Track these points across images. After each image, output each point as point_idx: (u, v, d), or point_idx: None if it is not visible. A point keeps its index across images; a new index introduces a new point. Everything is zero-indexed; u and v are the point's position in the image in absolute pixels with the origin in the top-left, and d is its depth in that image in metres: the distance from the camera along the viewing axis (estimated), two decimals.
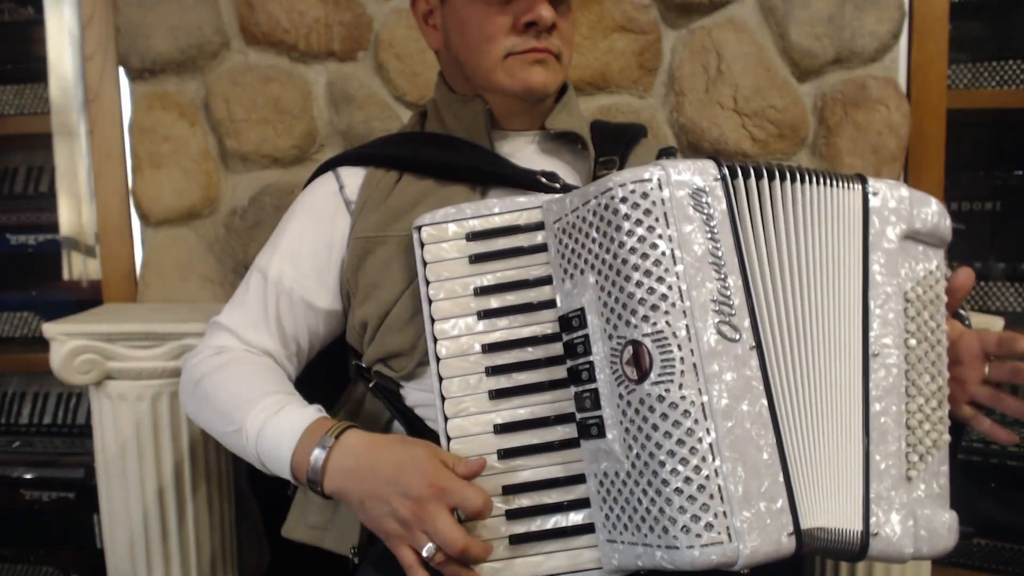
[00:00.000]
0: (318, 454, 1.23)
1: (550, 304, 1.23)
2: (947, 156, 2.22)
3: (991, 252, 2.42)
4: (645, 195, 1.09)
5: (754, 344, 1.09)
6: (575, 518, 1.19)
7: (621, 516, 1.12)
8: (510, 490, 1.20)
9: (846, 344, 1.20)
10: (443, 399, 1.23)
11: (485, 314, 1.24)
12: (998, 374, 1.27)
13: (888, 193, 1.26)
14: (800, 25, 2.10)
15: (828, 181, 1.23)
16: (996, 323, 1.87)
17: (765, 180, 1.17)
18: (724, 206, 1.12)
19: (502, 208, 1.27)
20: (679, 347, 1.06)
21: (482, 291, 1.25)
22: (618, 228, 1.09)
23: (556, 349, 1.21)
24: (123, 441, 1.85)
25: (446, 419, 1.23)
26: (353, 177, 1.50)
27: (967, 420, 1.31)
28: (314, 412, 1.31)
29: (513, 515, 1.20)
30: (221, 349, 1.45)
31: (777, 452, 1.08)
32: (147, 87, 2.17)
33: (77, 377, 1.83)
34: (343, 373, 1.57)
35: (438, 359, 1.24)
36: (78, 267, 2.58)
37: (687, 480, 1.03)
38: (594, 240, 1.13)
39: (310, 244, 1.47)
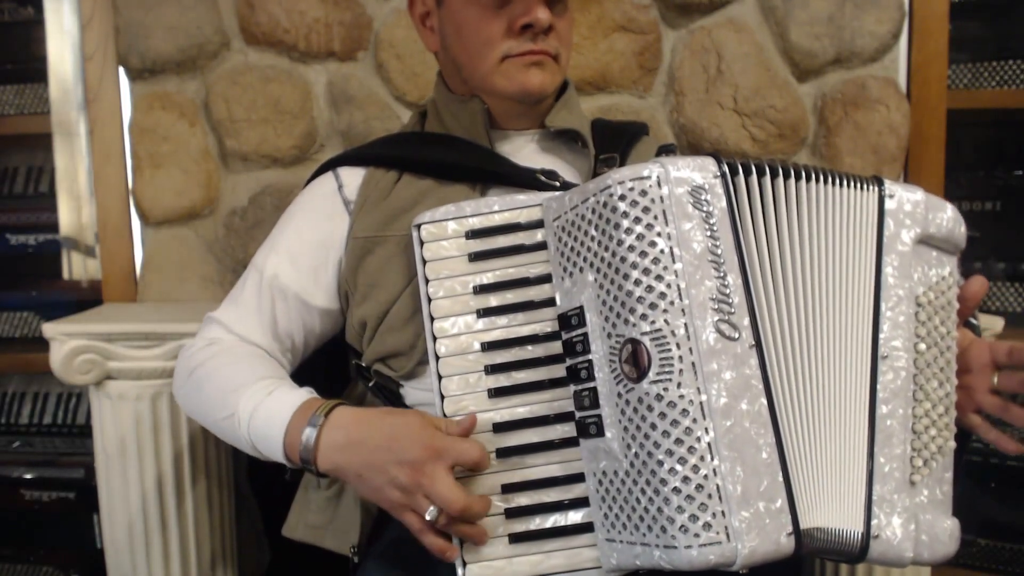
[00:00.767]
0: (309, 432, 1.23)
1: (550, 302, 1.23)
2: (947, 156, 2.22)
3: (991, 252, 2.42)
4: (644, 192, 1.09)
5: (753, 343, 1.09)
6: (574, 517, 1.19)
7: (620, 515, 1.11)
8: (509, 489, 1.20)
9: (854, 345, 1.20)
10: (442, 397, 1.23)
11: (484, 312, 1.24)
12: (1008, 384, 1.26)
13: (904, 196, 1.25)
14: (800, 25, 2.10)
15: (839, 181, 1.22)
16: (996, 323, 1.87)
17: (767, 177, 1.17)
18: (724, 203, 1.12)
19: (502, 206, 1.27)
20: (678, 346, 1.06)
21: (481, 289, 1.25)
22: (617, 226, 1.09)
23: (555, 347, 1.21)
24: (123, 441, 1.85)
25: (445, 418, 1.23)
26: (352, 177, 1.50)
27: (973, 429, 1.30)
28: (305, 393, 1.31)
29: (512, 514, 1.20)
30: (213, 341, 1.45)
31: (776, 451, 1.07)
32: (147, 87, 2.17)
33: (77, 377, 1.83)
34: (343, 373, 1.57)
35: (437, 357, 1.24)
36: (78, 267, 2.58)
37: (685, 479, 1.03)
38: (593, 238, 1.13)
39: (308, 243, 1.47)
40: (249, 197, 2.17)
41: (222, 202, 2.20)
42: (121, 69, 2.20)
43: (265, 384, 1.33)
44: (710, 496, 1.03)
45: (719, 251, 1.10)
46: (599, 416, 1.13)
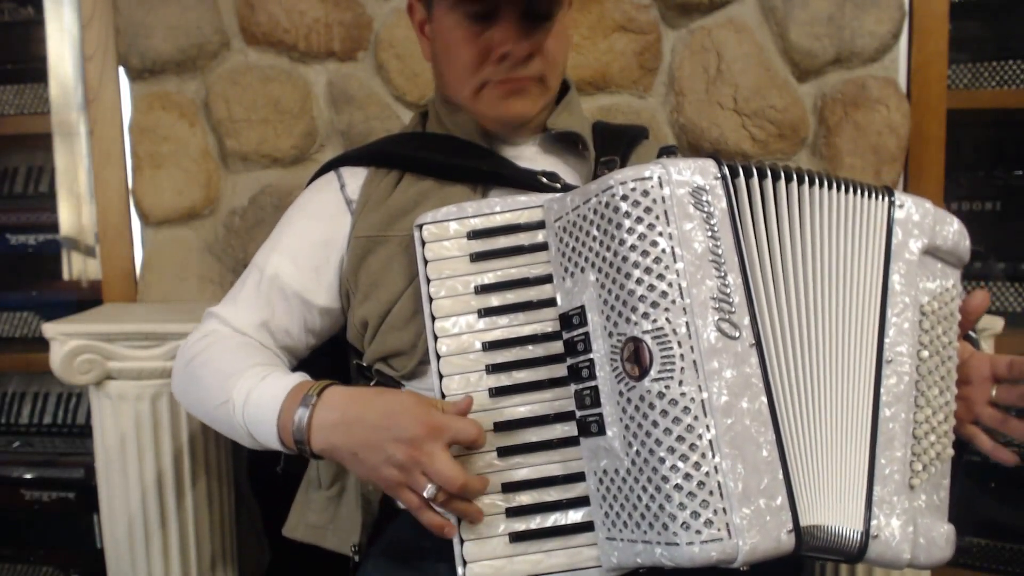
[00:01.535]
0: (301, 413, 1.23)
1: (551, 302, 1.23)
2: (947, 156, 2.22)
3: (991, 252, 2.42)
4: (646, 193, 1.09)
5: (754, 341, 1.09)
6: (575, 516, 1.19)
7: (620, 513, 1.11)
8: (510, 488, 1.20)
9: (858, 347, 1.21)
10: (443, 397, 1.23)
11: (486, 312, 1.24)
12: (1006, 397, 1.28)
13: (913, 207, 1.27)
14: (800, 25, 2.10)
15: (846, 187, 1.24)
16: (996, 323, 1.87)
17: (769, 180, 1.18)
18: (724, 204, 1.12)
19: (503, 207, 1.27)
20: (679, 344, 1.06)
21: (483, 289, 1.25)
22: (619, 226, 1.09)
23: (556, 347, 1.21)
24: (123, 441, 1.85)
25: None
26: (354, 177, 1.50)
27: (970, 439, 1.31)
28: (298, 376, 1.30)
29: (513, 513, 1.20)
30: (209, 333, 1.45)
31: (777, 449, 1.08)
32: (147, 87, 2.17)
33: (77, 377, 1.83)
34: (344, 373, 1.57)
35: (439, 357, 1.24)
36: (78, 267, 2.58)
37: (687, 477, 1.03)
38: (595, 238, 1.13)
39: (309, 242, 1.47)
40: (249, 197, 2.17)
41: (222, 202, 2.20)
42: (121, 69, 2.20)
43: (259, 370, 1.33)
44: (711, 493, 1.03)
45: (720, 251, 1.10)
46: (600, 415, 1.14)
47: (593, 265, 1.14)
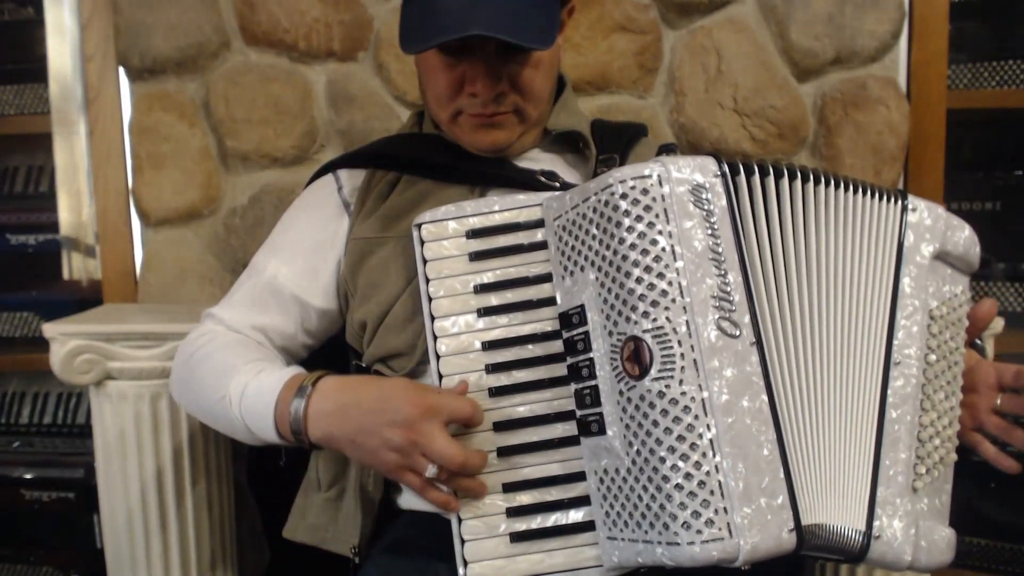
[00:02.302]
0: (297, 403, 1.24)
1: (550, 301, 1.23)
2: (947, 156, 2.22)
3: (991, 252, 2.42)
4: (645, 191, 1.09)
5: (754, 340, 1.09)
6: (575, 516, 1.19)
7: (621, 513, 1.11)
8: (510, 488, 1.20)
9: (866, 347, 1.21)
10: None
11: (485, 311, 1.24)
12: (1011, 406, 1.29)
13: (926, 211, 1.28)
14: (800, 25, 2.10)
15: (854, 187, 1.24)
16: (996, 323, 1.87)
17: (771, 177, 1.18)
18: (724, 202, 1.12)
19: (502, 206, 1.27)
20: (679, 343, 1.06)
21: (482, 288, 1.25)
22: (618, 224, 1.09)
23: (556, 346, 1.21)
24: (123, 441, 1.85)
25: None
26: (352, 178, 1.51)
27: (974, 446, 1.32)
28: (293, 369, 1.32)
29: (513, 513, 1.20)
30: (206, 333, 1.46)
31: (778, 448, 1.08)
32: (147, 87, 2.17)
33: (77, 377, 1.83)
34: (343, 373, 1.57)
35: (438, 357, 1.25)
36: (78, 267, 2.58)
37: (687, 476, 1.03)
38: (594, 236, 1.13)
39: (307, 244, 1.48)
40: (249, 197, 2.17)
41: (222, 202, 2.20)
42: (121, 69, 2.20)
43: (255, 365, 1.34)
44: (712, 493, 1.03)
45: (720, 249, 1.10)
46: (600, 414, 1.14)
47: (593, 264, 1.14)
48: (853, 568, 1.90)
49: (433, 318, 1.25)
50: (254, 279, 1.48)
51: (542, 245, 1.24)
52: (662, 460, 1.05)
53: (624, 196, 1.10)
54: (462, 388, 1.21)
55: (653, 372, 1.06)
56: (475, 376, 1.23)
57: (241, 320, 1.45)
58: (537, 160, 1.49)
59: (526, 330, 1.24)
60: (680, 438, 1.04)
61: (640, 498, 1.08)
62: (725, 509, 1.03)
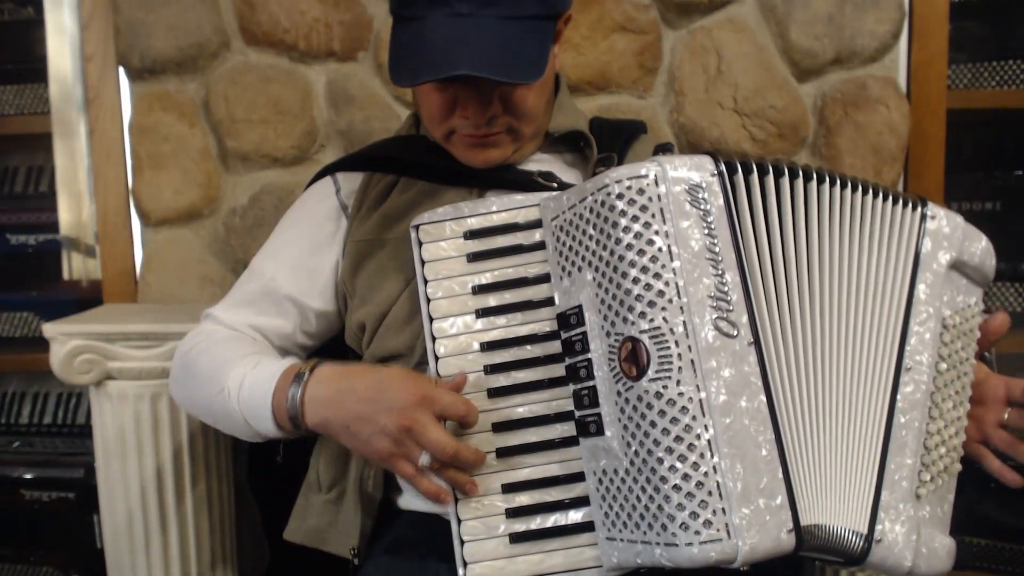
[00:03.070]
0: (294, 390, 1.25)
1: (548, 302, 1.23)
2: (947, 156, 2.22)
3: None
4: (641, 191, 1.09)
5: (752, 340, 1.09)
6: (575, 516, 1.19)
7: (620, 514, 1.11)
8: (509, 488, 1.20)
9: (875, 351, 1.21)
10: None
11: (483, 312, 1.25)
12: (1019, 421, 1.29)
13: (944, 219, 1.28)
14: (800, 25, 2.10)
15: (863, 188, 1.24)
16: None
17: (771, 176, 1.17)
18: (721, 201, 1.12)
19: (500, 206, 1.27)
20: (676, 343, 1.06)
21: (480, 289, 1.25)
22: (615, 224, 1.09)
23: (554, 347, 1.21)
24: (123, 441, 1.85)
25: None
26: (350, 181, 1.51)
27: (978, 458, 1.32)
28: (289, 360, 1.33)
29: (513, 513, 1.20)
30: (203, 331, 1.47)
31: (776, 448, 1.07)
32: (147, 87, 2.17)
33: (77, 377, 1.83)
34: None
35: (437, 358, 1.25)
36: (78, 267, 2.58)
37: (685, 477, 1.03)
38: (591, 237, 1.13)
39: (305, 246, 1.48)
40: (249, 197, 2.17)
41: (222, 202, 2.20)
42: (121, 69, 2.20)
43: (252, 358, 1.35)
44: (710, 493, 1.03)
45: (717, 249, 1.10)
46: (598, 415, 1.13)
47: (590, 264, 1.14)
48: (853, 571, 1.90)
49: (432, 319, 1.25)
50: (253, 281, 1.49)
51: (540, 246, 1.24)
52: (660, 461, 1.04)
53: (620, 196, 1.10)
54: (461, 379, 1.22)
55: (650, 372, 1.06)
56: (474, 377, 1.23)
57: (239, 320, 1.46)
58: (535, 161, 1.49)
59: (525, 331, 1.24)
60: (678, 439, 1.04)
61: (639, 499, 1.08)
62: (723, 510, 1.03)
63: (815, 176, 1.21)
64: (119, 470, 1.86)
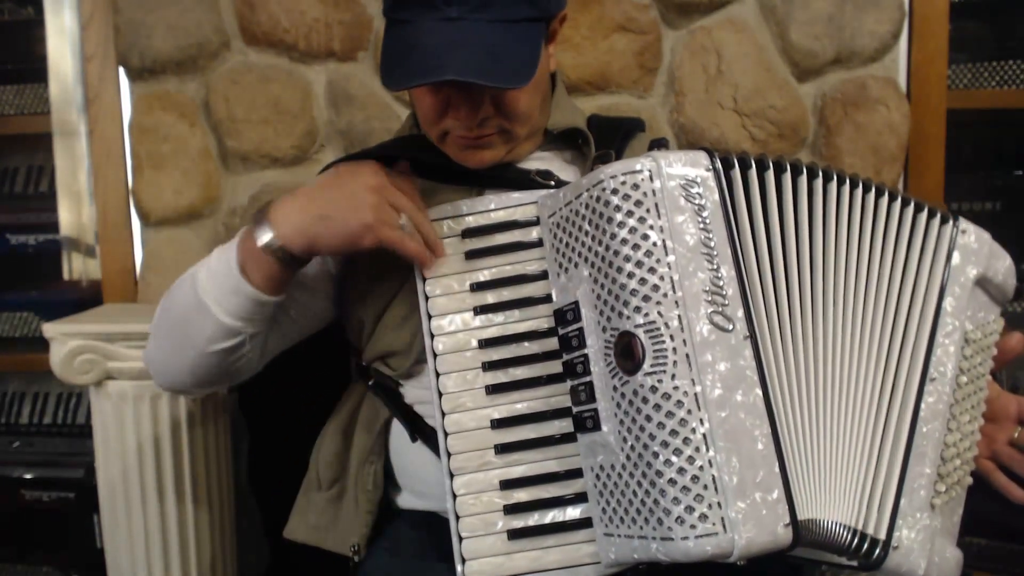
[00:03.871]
0: (260, 228, 1.25)
1: (546, 299, 1.23)
2: (947, 156, 2.22)
3: None
4: (636, 186, 1.09)
5: (748, 334, 1.08)
6: (573, 512, 1.20)
7: (617, 509, 1.11)
8: (507, 485, 1.20)
9: (896, 356, 1.22)
10: (440, 395, 1.23)
11: (481, 309, 1.25)
12: None
13: (973, 235, 1.29)
14: (800, 25, 2.10)
15: (877, 191, 1.25)
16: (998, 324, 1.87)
17: (770, 172, 1.18)
18: (716, 197, 1.12)
19: (498, 204, 1.27)
20: (671, 337, 1.05)
21: (478, 286, 1.25)
22: (610, 220, 1.09)
23: (552, 344, 1.21)
24: (123, 441, 1.85)
25: (443, 415, 1.23)
26: None
27: (985, 473, 1.33)
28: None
29: (511, 510, 1.20)
30: None
31: (772, 442, 1.07)
32: (147, 87, 2.18)
33: (77, 377, 1.83)
34: (343, 373, 1.57)
35: (435, 355, 1.25)
36: (78, 267, 2.58)
37: (681, 471, 1.03)
38: (587, 233, 1.13)
39: None
40: (249, 197, 2.17)
41: (222, 202, 2.20)
42: (121, 69, 2.20)
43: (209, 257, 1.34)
44: (706, 487, 1.02)
45: (712, 244, 1.10)
46: (595, 410, 1.13)
47: (586, 260, 1.14)
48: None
49: (430, 316, 1.26)
50: None
51: (538, 243, 1.24)
52: (655, 455, 1.04)
53: (615, 191, 1.10)
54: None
55: (645, 367, 1.05)
56: (472, 374, 1.23)
57: None
58: (535, 159, 1.49)
59: (522, 327, 1.24)
60: (673, 433, 1.04)
61: (635, 493, 1.07)
62: (719, 504, 1.02)
63: (822, 174, 1.21)
64: (119, 470, 1.86)
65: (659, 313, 1.06)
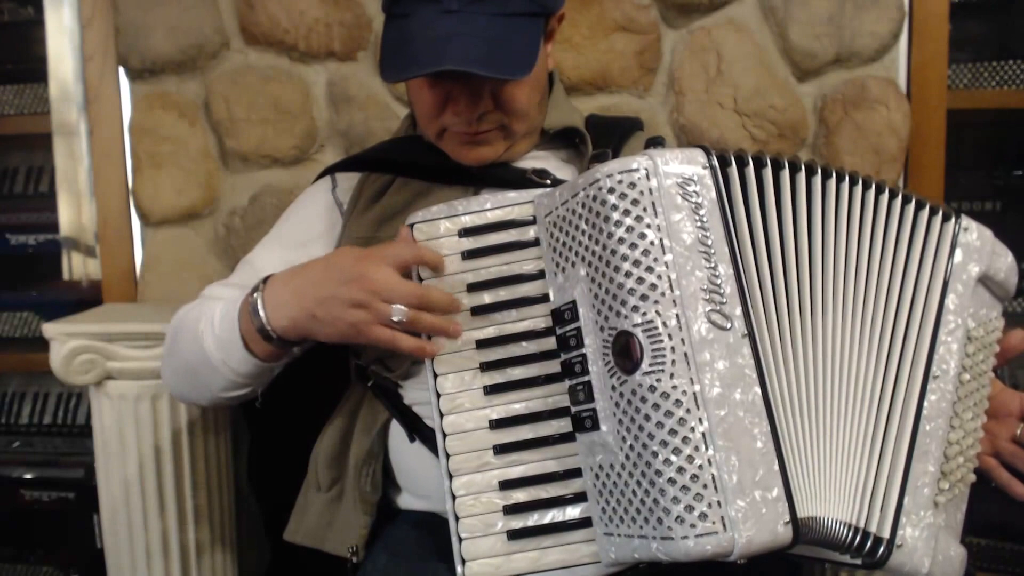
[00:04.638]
0: (254, 302, 1.27)
1: (544, 299, 1.22)
2: (947, 156, 2.21)
3: None
4: (633, 185, 1.09)
5: (746, 332, 1.08)
6: (572, 512, 1.19)
7: (617, 508, 1.11)
8: (506, 485, 1.20)
9: (898, 354, 1.22)
10: (438, 396, 1.23)
11: (479, 309, 1.24)
12: None
13: (976, 233, 1.29)
14: (800, 25, 2.10)
15: (876, 187, 1.26)
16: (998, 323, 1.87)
17: (768, 170, 1.18)
18: (713, 195, 1.12)
19: (494, 204, 1.26)
20: (669, 336, 1.05)
21: (475, 286, 1.25)
22: (606, 219, 1.09)
23: (550, 343, 1.21)
24: (123, 441, 1.85)
25: (441, 416, 1.23)
26: (347, 180, 1.52)
27: (988, 470, 1.33)
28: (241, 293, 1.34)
29: (510, 510, 1.20)
30: (193, 305, 1.47)
31: (772, 441, 1.07)
32: (147, 87, 2.18)
33: (77, 377, 1.83)
34: (343, 374, 1.57)
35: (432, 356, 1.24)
36: (78, 267, 2.58)
37: (680, 470, 1.03)
38: (584, 232, 1.13)
39: (300, 240, 1.49)
40: (249, 197, 2.17)
41: (222, 202, 2.20)
42: (121, 69, 2.20)
43: (220, 303, 1.38)
44: (705, 486, 1.02)
45: (710, 242, 1.10)
46: (594, 410, 1.13)
47: (583, 259, 1.14)
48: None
49: None
50: (244, 271, 1.50)
51: (535, 243, 1.24)
52: (655, 454, 1.04)
53: (612, 190, 1.09)
54: (404, 232, 1.25)
55: (644, 366, 1.05)
56: (469, 375, 1.23)
57: (229, 297, 1.46)
58: (531, 158, 1.49)
59: (520, 327, 1.23)
60: (672, 432, 1.04)
61: (635, 493, 1.07)
62: (719, 503, 1.02)
63: (820, 171, 1.21)
64: (119, 470, 1.86)
65: (657, 312, 1.06)
